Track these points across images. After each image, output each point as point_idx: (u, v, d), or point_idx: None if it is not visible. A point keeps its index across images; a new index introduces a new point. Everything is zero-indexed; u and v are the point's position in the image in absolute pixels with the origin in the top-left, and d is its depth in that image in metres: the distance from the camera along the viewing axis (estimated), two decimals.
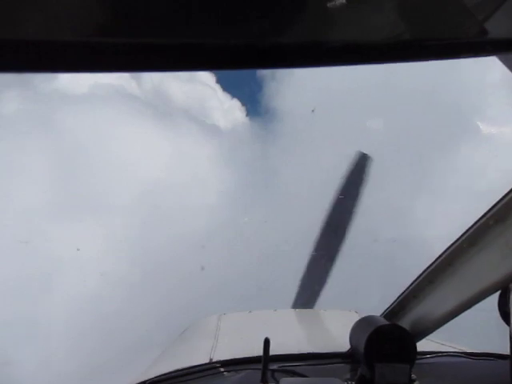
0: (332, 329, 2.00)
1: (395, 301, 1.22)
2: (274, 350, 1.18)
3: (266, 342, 1.07)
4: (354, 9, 0.46)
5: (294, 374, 1.25)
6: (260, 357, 1.30)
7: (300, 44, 0.45)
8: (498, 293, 0.99)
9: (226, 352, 1.61)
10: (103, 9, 0.42)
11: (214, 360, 1.53)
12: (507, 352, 1.34)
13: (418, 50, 0.48)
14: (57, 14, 0.43)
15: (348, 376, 1.24)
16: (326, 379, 1.08)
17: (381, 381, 1.11)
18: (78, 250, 4.24)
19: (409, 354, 1.12)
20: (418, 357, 1.16)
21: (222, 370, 1.41)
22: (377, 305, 1.40)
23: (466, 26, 0.47)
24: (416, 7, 0.48)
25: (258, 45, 0.45)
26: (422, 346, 1.22)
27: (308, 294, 2.84)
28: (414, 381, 1.13)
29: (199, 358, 1.60)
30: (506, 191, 0.84)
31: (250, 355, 1.47)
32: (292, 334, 1.85)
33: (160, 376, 1.43)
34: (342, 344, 1.48)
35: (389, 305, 1.25)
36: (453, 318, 1.09)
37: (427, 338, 1.30)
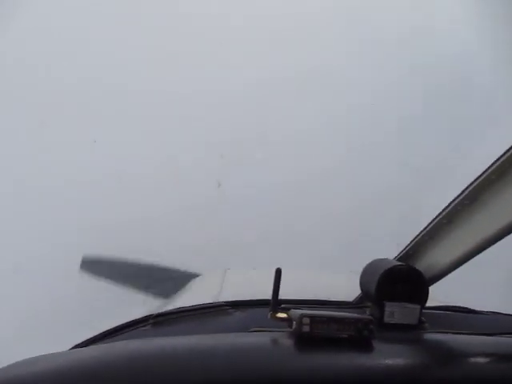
0: (339, 286, 1.99)
1: (410, 243, 1.20)
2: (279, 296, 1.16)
3: (278, 272, 1.05)
4: None
5: None
6: (266, 300, 1.30)
7: None
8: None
9: (231, 297, 1.61)
10: None
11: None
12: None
13: None
14: None
15: None
16: (334, 311, 1.06)
17: (390, 320, 1.10)
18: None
19: (421, 296, 1.11)
20: (428, 306, 1.15)
21: (227, 308, 1.41)
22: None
23: None
24: None
25: None
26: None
27: None
28: (424, 323, 1.12)
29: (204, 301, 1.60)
30: None
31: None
32: (298, 288, 1.85)
33: (165, 312, 1.43)
34: (350, 297, 1.48)
35: (403, 247, 1.23)
36: (468, 259, 1.06)
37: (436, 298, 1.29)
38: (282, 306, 1.24)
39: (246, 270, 2.56)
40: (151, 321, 1.37)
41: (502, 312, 1.44)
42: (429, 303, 1.15)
